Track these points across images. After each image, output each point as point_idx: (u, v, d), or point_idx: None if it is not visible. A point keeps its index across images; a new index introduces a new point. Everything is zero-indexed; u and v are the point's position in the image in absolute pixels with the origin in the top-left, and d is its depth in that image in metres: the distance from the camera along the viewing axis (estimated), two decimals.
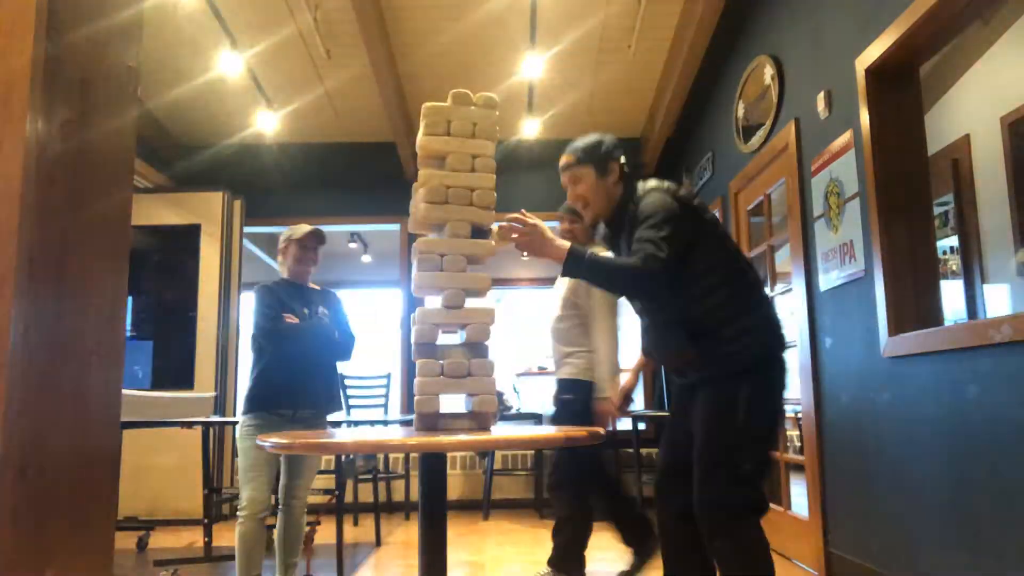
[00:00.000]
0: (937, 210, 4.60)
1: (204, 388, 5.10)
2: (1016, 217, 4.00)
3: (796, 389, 3.42)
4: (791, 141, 3.45)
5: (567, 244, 1.86)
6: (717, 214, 4.42)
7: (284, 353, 2.75)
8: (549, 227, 1.92)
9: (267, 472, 2.69)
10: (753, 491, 1.87)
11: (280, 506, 2.84)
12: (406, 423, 4.63)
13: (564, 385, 3.02)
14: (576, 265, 1.85)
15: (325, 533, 3.85)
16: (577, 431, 1.50)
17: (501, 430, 1.62)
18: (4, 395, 0.95)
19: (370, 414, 5.60)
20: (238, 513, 2.66)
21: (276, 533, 2.86)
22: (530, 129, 5.58)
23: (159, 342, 5.28)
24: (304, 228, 2.85)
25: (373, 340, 7.84)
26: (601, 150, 2.07)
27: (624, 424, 5.32)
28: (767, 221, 3.91)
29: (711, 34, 4.32)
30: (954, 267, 4.57)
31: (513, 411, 5.98)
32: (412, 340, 1.58)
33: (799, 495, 3.52)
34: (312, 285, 2.96)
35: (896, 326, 2.61)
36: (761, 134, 3.86)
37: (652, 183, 2.05)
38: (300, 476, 2.84)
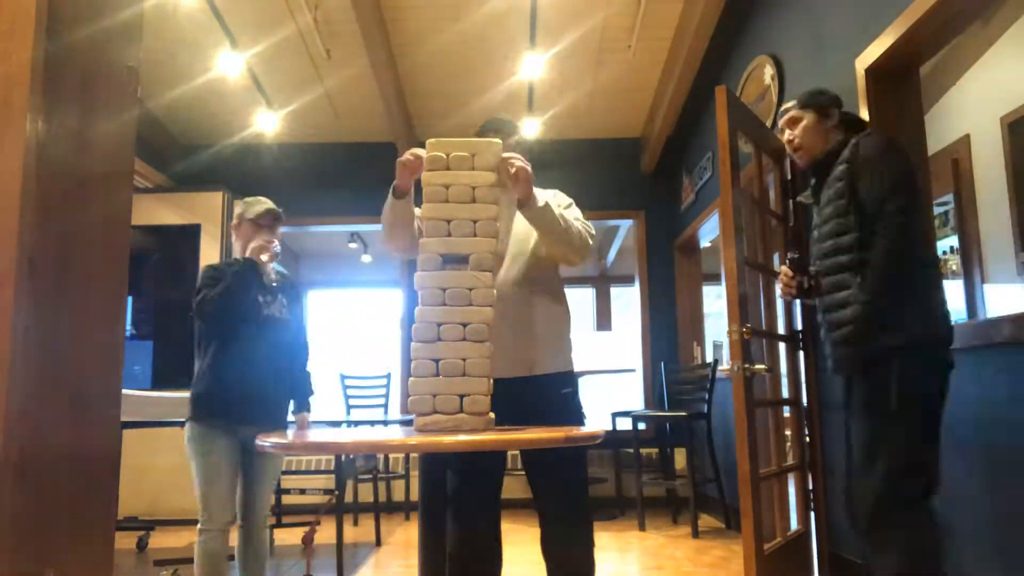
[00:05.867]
0: (937, 210, 4.60)
1: None
2: (1016, 217, 4.00)
3: (795, 388, 3.42)
4: None
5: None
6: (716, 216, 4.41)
7: (238, 347, 2.38)
8: None
9: (227, 479, 2.37)
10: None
11: (239, 521, 2.47)
12: (406, 423, 4.63)
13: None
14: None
15: (325, 533, 3.85)
16: (577, 431, 1.49)
17: (501, 430, 1.62)
18: (4, 395, 0.94)
19: (370, 414, 5.61)
20: (199, 528, 2.32)
21: (236, 553, 2.51)
22: (530, 129, 5.57)
23: (159, 342, 5.28)
24: (260, 206, 2.54)
25: (373, 340, 7.87)
26: (822, 97, 2.22)
27: (624, 423, 5.31)
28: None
29: (711, 34, 4.32)
30: (954, 267, 4.57)
31: None
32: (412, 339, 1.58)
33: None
34: (274, 270, 2.60)
35: None
36: None
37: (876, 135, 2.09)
38: (259, 482, 2.50)
